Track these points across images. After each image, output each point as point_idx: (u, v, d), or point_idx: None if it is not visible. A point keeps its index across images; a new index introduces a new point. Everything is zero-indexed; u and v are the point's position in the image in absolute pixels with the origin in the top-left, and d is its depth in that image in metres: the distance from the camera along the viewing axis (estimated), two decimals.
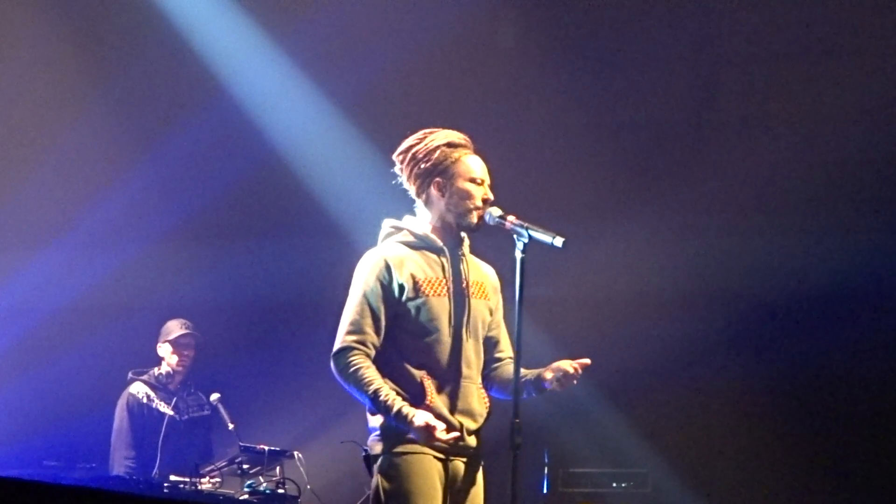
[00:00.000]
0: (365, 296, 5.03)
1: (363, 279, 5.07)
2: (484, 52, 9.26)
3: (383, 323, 5.03)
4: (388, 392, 4.92)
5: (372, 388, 4.92)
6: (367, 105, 9.07)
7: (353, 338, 4.99)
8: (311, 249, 9.61)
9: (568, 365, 5.11)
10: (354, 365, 4.95)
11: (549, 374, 5.11)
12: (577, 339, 9.32)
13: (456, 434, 4.97)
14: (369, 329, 5.00)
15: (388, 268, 5.06)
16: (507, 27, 9.35)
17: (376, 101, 9.00)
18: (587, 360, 5.14)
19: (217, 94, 9.28)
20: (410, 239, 5.17)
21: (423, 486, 4.94)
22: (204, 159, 9.63)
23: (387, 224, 5.27)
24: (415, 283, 5.06)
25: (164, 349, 8.52)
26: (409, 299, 5.05)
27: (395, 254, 5.11)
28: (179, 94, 9.39)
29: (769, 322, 9.54)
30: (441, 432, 4.90)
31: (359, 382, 4.94)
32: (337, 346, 5.01)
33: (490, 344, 5.27)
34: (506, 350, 5.31)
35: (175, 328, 8.55)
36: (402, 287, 5.05)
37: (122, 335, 9.54)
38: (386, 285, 5.04)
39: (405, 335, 5.05)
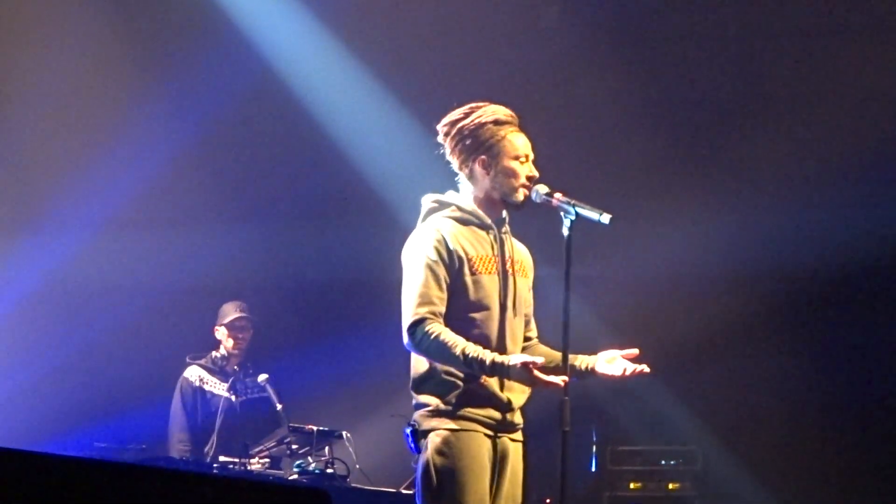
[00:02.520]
0: (428, 267, 5.00)
1: (423, 252, 5.04)
2: (528, 30, 9.23)
3: (446, 294, 5.01)
4: (475, 348, 4.91)
5: (459, 348, 4.89)
6: (414, 84, 9.06)
7: (426, 309, 4.95)
8: (360, 231, 9.62)
9: (620, 359, 5.12)
10: (433, 332, 4.91)
11: (602, 368, 5.12)
12: (625, 316, 9.32)
13: (561, 380, 4.94)
14: (437, 300, 4.98)
15: (445, 241, 5.05)
16: (550, 5, 9.31)
17: (423, 79, 9.00)
18: (636, 351, 5.15)
19: (269, 77, 9.29)
20: (459, 214, 5.16)
21: (472, 465, 4.95)
22: (257, 143, 9.66)
23: (428, 199, 5.25)
24: (468, 259, 5.07)
25: (220, 332, 8.58)
26: (464, 275, 5.05)
27: (448, 229, 5.10)
28: (233, 80, 9.40)
29: (818, 299, 9.48)
30: (543, 375, 4.89)
31: (443, 347, 4.90)
32: (410, 319, 4.95)
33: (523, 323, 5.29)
34: (534, 330, 5.34)
35: (230, 311, 8.59)
36: (459, 262, 5.04)
37: (177, 317, 9.60)
38: (445, 258, 5.03)
39: (458, 309, 5.03)
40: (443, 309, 4.99)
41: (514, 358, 4.92)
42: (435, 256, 5.02)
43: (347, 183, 9.58)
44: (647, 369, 5.13)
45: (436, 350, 4.92)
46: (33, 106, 9.44)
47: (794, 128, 9.16)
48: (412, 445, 5.05)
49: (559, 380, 4.92)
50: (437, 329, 4.92)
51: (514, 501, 5.10)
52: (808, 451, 9.41)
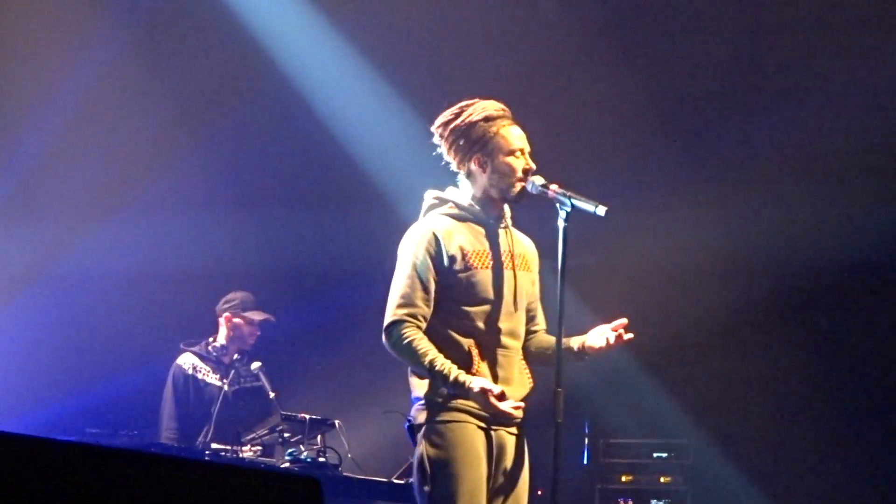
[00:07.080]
0: (415, 268, 5.04)
1: (412, 252, 5.07)
2: (526, 21, 9.22)
3: (433, 295, 5.04)
4: (443, 361, 4.95)
5: (427, 358, 4.94)
6: (411, 75, 9.05)
7: (405, 311, 5.01)
8: (357, 219, 9.62)
9: (608, 331, 5.13)
10: (408, 337, 4.97)
11: (590, 342, 5.15)
12: (619, 308, 9.30)
13: (517, 404, 5.00)
14: (420, 302, 5.02)
15: (436, 240, 5.07)
16: None
17: (421, 71, 8.99)
18: (625, 321, 5.17)
19: (267, 66, 9.26)
20: (456, 211, 5.18)
21: (466, 455, 4.96)
22: (255, 132, 9.65)
23: (430, 195, 5.28)
24: (463, 255, 5.08)
25: (232, 321, 8.41)
26: (458, 271, 5.07)
27: (442, 226, 5.11)
28: (232, 69, 9.39)
29: (812, 294, 9.49)
30: (497, 400, 4.93)
31: (413, 354, 4.96)
32: (388, 319, 5.03)
33: (528, 317, 5.28)
34: (540, 322, 5.37)
35: (256, 312, 8.41)
36: (451, 259, 5.06)
37: (171, 303, 9.57)
38: (435, 257, 5.05)
39: (453, 304, 5.07)
40: (426, 311, 5.04)
41: (476, 381, 4.95)
42: (423, 258, 5.05)
43: (346, 173, 9.56)
44: (629, 336, 5.16)
45: (408, 354, 4.99)
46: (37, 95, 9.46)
47: (793, 120, 9.14)
48: (411, 439, 5.12)
49: (510, 408, 4.96)
50: (412, 334, 4.98)
51: (515, 495, 5.10)
52: (799, 445, 9.42)
